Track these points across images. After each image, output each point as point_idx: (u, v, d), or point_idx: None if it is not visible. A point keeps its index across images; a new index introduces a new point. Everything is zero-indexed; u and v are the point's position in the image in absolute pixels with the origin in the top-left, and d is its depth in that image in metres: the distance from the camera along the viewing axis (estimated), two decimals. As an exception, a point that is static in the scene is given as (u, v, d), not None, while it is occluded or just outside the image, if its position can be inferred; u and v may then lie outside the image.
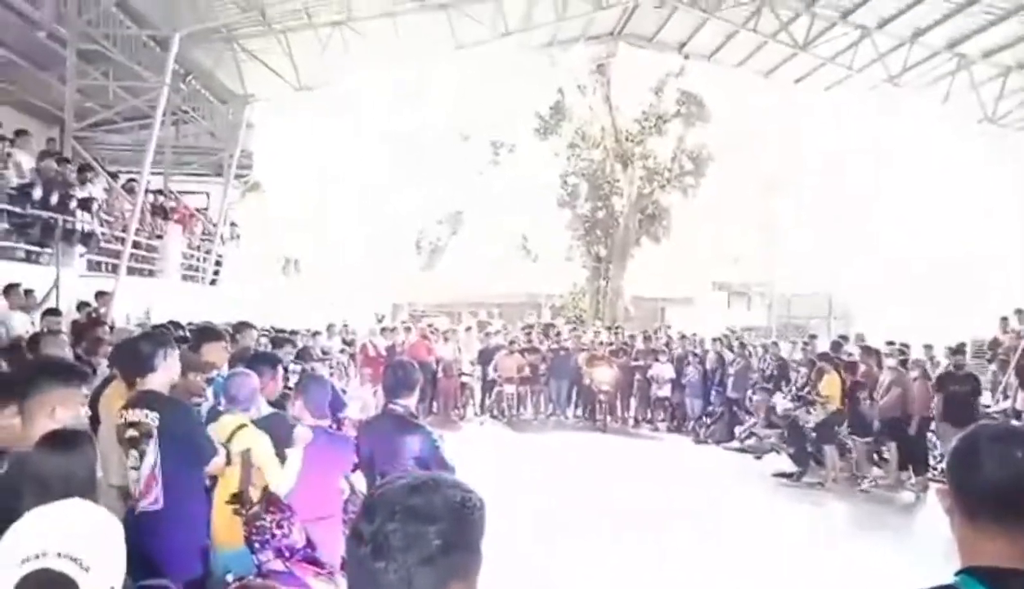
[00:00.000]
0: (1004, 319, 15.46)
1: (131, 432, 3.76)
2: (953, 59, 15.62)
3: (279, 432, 4.04)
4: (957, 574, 1.55)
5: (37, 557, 1.33)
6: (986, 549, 1.53)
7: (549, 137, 29.31)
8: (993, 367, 14.01)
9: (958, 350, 11.66)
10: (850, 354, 12.84)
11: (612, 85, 27.85)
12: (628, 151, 28.30)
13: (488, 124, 29.98)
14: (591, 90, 28.28)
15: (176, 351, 4.04)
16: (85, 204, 12.33)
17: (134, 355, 4.03)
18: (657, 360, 15.67)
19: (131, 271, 13.98)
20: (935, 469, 11.36)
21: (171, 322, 7.50)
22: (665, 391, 15.54)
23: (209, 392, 4.64)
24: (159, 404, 3.78)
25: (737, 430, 14.21)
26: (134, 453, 3.74)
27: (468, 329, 19.10)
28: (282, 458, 3.98)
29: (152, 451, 3.69)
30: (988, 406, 11.95)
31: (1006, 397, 12.65)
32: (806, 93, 20.45)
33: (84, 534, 1.40)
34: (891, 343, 12.77)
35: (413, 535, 1.16)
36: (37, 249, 11.60)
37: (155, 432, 3.69)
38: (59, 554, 1.34)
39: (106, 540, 1.41)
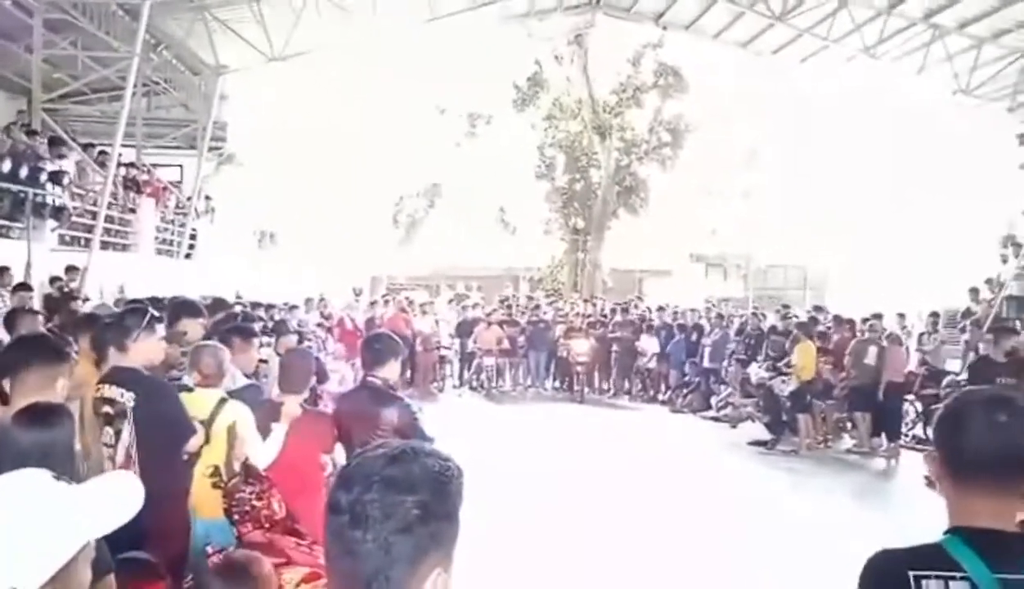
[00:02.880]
0: (974, 290, 15.71)
1: (106, 409, 3.71)
2: (928, 30, 15.67)
3: (256, 404, 4.03)
4: (945, 533, 1.62)
5: None
6: (973, 511, 1.60)
7: (526, 109, 29.12)
8: (965, 337, 14.23)
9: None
10: (828, 326, 13.02)
11: (589, 56, 27.66)
12: (606, 123, 28.19)
13: (465, 96, 29.74)
14: (568, 61, 28.07)
15: (158, 329, 3.96)
16: (56, 177, 12.14)
17: (113, 330, 3.97)
18: (643, 332, 15.85)
19: (104, 245, 13.82)
20: (906, 436, 11.61)
21: (151, 298, 7.40)
22: (652, 363, 15.71)
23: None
24: (135, 383, 3.70)
25: (713, 400, 14.40)
26: (109, 430, 3.69)
27: (449, 302, 19.08)
28: (262, 431, 3.98)
29: (127, 431, 3.63)
30: (958, 374, 12.15)
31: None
32: (783, 64, 20.44)
33: None
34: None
35: (391, 505, 1.17)
36: (7, 223, 11.43)
37: (130, 412, 3.64)
38: None
39: (13, 506, 1.34)
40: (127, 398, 3.66)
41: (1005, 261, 16.45)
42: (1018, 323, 12.66)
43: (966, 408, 1.67)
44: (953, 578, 1.53)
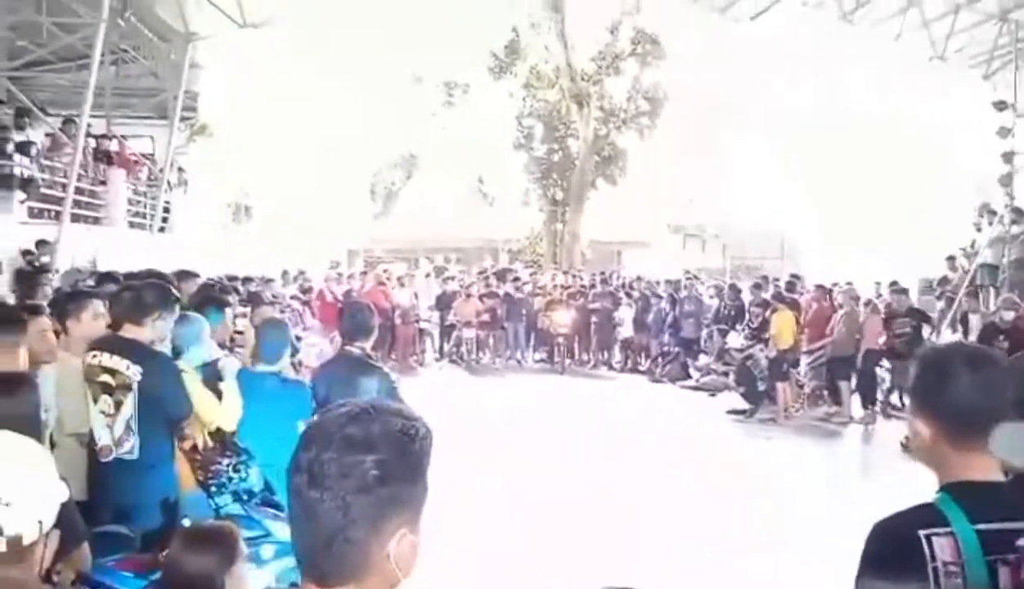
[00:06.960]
0: (951, 258, 15.83)
1: (105, 377, 3.64)
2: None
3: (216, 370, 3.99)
4: (938, 491, 1.64)
5: None
6: (965, 465, 1.62)
7: (504, 77, 28.82)
8: (941, 304, 14.37)
9: None
10: (801, 293, 13.08)
11: (567, 23, 27.37)
12: (584, 91, 27.97)
13: (441, 64, 29.35)
14: (546, 29, 27.77)
15: (173, 317, 3.97)
16: (23, 148, 11.84)
17: (132, 302, 3.89)
18: (621, 303, 15.87)
19: (75, 218, 13.54)
20: (883, 403, 11.72)
21: (106, 273, 7.16)
22: (631, 332, 15.74)
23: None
24: (141, 357, 3.67)
25: (692, 370, 14.48)
26: (107, 399, 3.64)
27: (427, 275, 18.97)
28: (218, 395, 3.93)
29: (130, 403, 3.61)
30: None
31: (955, 331, 12.97)
32: (762, 31, 20.34)
33: (4, 469, 1.31)
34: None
35: (349, 464, 1.13)
36: (-27, 196, 11.17)
37: (136, 386, 3.61)
38: None
39: (32, 473, 1.31)
40: (133, 372, 3.63)
41: (979, 229, 16.56)
42: (992, 291, 12.79)
43: (955, 365, 1.65)
44: (937, 535, 1.55)
